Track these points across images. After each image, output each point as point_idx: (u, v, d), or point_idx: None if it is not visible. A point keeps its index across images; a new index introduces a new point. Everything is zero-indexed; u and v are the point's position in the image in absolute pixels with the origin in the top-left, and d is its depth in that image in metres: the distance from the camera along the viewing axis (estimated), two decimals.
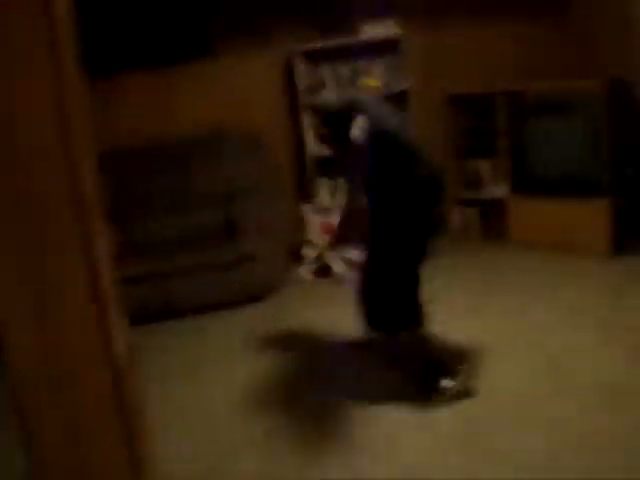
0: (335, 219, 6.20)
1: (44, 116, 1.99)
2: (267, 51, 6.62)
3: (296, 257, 6.30)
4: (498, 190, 6.44)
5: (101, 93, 6.19)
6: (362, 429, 3.63)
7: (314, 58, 6.49)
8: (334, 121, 4.11)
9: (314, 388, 4.15)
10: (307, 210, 6.29)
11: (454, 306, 5.07)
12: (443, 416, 3.67)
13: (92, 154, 2.15)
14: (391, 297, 3.99)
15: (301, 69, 6.43)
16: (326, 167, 6.61)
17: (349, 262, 6.26)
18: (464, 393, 3.81)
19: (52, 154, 2.01)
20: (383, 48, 6.29)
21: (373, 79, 6.35)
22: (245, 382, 4.34)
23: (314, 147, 6.53)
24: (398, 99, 6.01)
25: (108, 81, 6.25)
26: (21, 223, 2.03)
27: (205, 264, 5.62)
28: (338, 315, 5.16)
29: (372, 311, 4.16)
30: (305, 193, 6.64)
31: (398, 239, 3.90)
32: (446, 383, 3.81)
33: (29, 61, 1.96)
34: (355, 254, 6.32)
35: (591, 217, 5.73)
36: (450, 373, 3.86)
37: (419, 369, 3.95)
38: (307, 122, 6.50)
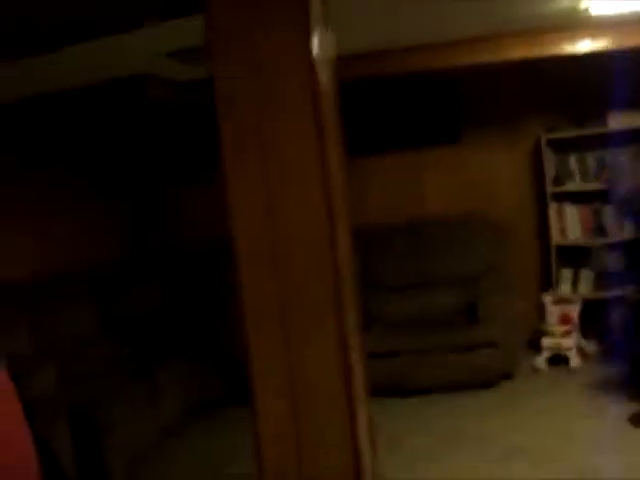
0: (574, 310, 6.11)
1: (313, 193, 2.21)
2: (514, 139, 6.71)
3: (533, 346, 6.23)
4: None
5: (354, 170, 6.52)
6: None
7: (561, 147, 6.48)
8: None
9: None
10: (547, 299, 6.23)
11: None
12: None
13: (347, 221, 2.34)
14: None
15: (548, 158, 6.45)
16: (569, 257, 6.54)
17: (586, 354, 6.11)
18: None
19: (316, 227, 2.22)
20: (629, 139, 6.16)
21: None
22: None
23: (559, 236, 6.49)
24: None
25: (361, 159, 6.58)
26: (284, 290, 2.24)
27: (443, 346, 5.73)
28: (569, 404, 5.08)
29: None
30: (547, 282, 6.57)
31: None
32: None
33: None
34: (591, 346, 6.17)
35: None
36: None
37: None
38: (553, 211, 6.48)
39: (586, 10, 4.64)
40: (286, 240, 2.20)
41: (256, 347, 2.27)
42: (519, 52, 5.53)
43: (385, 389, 5.56)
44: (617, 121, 6.16)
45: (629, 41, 5.28)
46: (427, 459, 4.56)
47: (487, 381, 5.72)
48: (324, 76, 2.21)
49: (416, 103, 6.79)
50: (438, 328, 5.92)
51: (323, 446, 2.27)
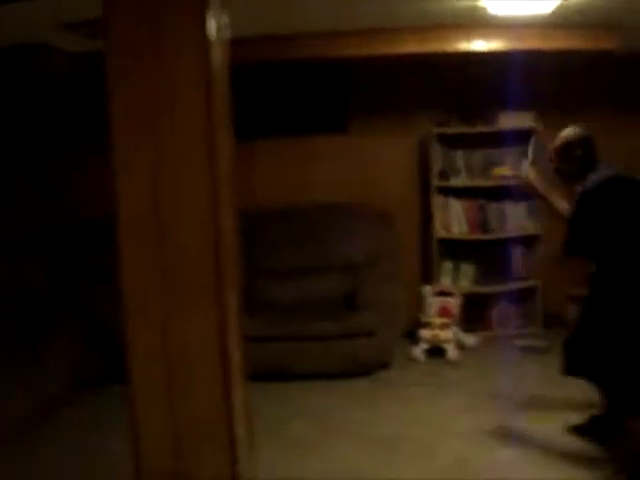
0: (454, 303, 6.24)
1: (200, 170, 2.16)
2: (403, 131, 6.79)
3: (412, 337, 6.33)
4: None
5: (242, 154, 6.42)
6: None
7: (450, 143, 6.60)
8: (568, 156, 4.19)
9: None
10: (427, 291, 6.33)
11: None
12: None
13: (233, 206, 2.29)
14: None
15: (435, 152, 6.55)
16: (452, 251, 6.68)
17: (463, 346, 6.25)
18: None
19: (201, 209, 2.16)
20: (517, 138, 6.31)
21: (505, 168, 6.40)
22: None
23: (442, 230, 6.61)
24: None
25: (249, 144, 6.51)
26: (165, 270, 2.18)
27: (323, 333, 5.73)
28: (444, 396, 5.25)
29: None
30: (428, 274, 6.68)
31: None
32: None
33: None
34: (470, 339, 6.31)
35: None
36: None
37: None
38: (437, 204, 6.59)
39: (484, 9, 4.70)
40: (170, 220, 2.17)
41: (134, 327, 2.24)
42: (414, 47, 5.58)
43: (265, 374, 5.52)
44: (507, 121, 6.31)
45: (524, 43, 5.41)
46: (304, 446, 4.56)
47: (365, 370, 5.76)
48: (218, 57, 2.19)
49: (307, 90, 6.77)
50: (319, 315, 5.92)
51: (199, 426, 2.25)
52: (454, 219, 6.66)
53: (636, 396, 4.01)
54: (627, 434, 4.22)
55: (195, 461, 2.28)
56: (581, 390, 4.52)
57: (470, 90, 6.60)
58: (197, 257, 2.18)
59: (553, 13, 4.77)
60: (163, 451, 2.29)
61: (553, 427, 4.53)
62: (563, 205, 4.33)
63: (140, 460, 2.30)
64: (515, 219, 6.52)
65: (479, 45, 5.48)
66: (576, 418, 4.47)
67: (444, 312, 6.22)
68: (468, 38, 5.48)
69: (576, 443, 4.31)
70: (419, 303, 6.34)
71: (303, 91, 6.76)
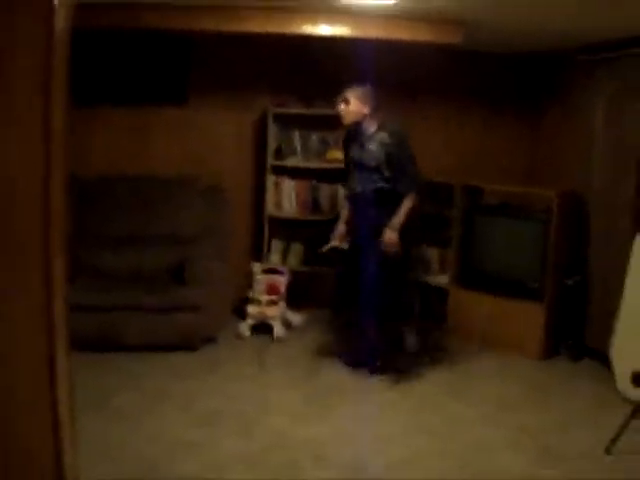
0: (282, 281, 6.33)
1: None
2: (242, 108, 6.80)
3: (239, 313, 6.37)
4: (443, 278, 6.61)
5: (80, 121, 6.22)
6: None
7: (286, 122, 6.67)
8: None
9: None
10: (256, 268, 6.38)
11: None
12: None
13: (64, 173, 2.23)
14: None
15: (273, 131, 6.60)
16: (282, 229, 6.76)
17: (289, 324, 6.36)
18: None
19: (33, 171, 2.09)
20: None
21: (340, 151, 6.54)
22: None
23: (273, 208, 6.68)
24: None
25: (88, 110, 6.31)
26: None
27: (151, 304, 5.67)
28: (266, 373, 5.38)
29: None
30: (258, 252, 6.74)
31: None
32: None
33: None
34: (296, 317, 6.43)
35: (527, 319, 5.93)
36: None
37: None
38: (270, 183, 6.65)
39: None
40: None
41: None
42: (258, 26, 5.54)
43: (92, 344, 5.42)
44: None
45: (367, 31, 5.52)
46: (127, 417, 4.53)
47: (191, 344, 5.76)
48: (61, 20, 2.13)
49: (149, 60, 6.61)
50: (148, 286, 5.83)
51: (17, 397, 2.19)
52: (286, 198, 6.75)
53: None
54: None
55: (12, 432, 2.22)
56: None
57: (311, 72, 6.71)
58: (24, 222, 2.11)
59: (397, 5, 4.91)
60: None
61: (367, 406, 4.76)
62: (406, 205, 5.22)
63: None
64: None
65: (324, 30, 5.54)
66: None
67: (272, 289, 6.29)
68: (313, 22, 5.52)
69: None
70: (249, 280, 6.38)
71: (146, 61, 6.60)
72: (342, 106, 5.23)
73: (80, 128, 6.12)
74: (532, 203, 6.14)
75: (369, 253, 5.19)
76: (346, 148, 5.53)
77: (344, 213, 5.63)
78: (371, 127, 5.22)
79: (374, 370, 5.39)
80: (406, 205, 5.18)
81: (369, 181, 5.21)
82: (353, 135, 5.36)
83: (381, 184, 5.19)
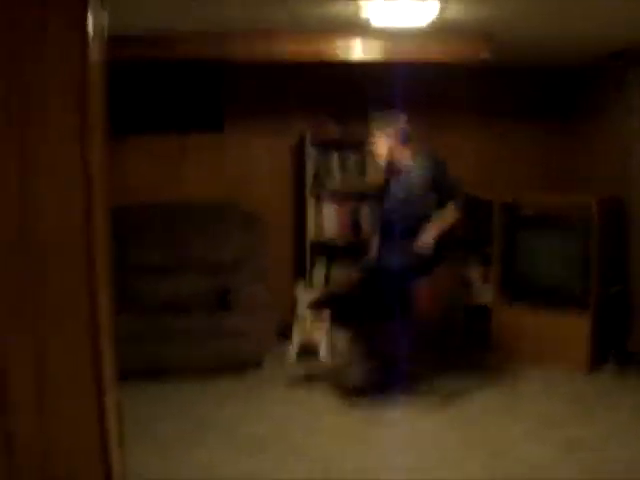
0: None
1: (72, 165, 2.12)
2: (279, 133, 6.87)
3: (285, 337, 6.39)
4: (486, 296, 6.58)
5: (116, 150, 6.30)
6: None
7: (324, 145, 6.71)
8: None
9: None
10: (300, 292, 6.40)
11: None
12: None
13: (106, 205, 2.27)
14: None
15: (311, 155, 6.65)
16: (323, 252, 6.80)
17: (335, 347, 6.36)
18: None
19: (74, 208, 2.13)
20: None
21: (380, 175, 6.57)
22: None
23: (315, 232, 6.72)
24: None
25: (124, 139, 6.43)
26: (35, 273, 2.14)
27: (195, 331, 5.73)
28: (316, 397, 5.37)
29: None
30: (301, 275, 6.77)
31: None
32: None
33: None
34: (342, 339, 6.42)
35: (572, 330, 5.88)
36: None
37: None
38: (311, 207, 6.70)
39: (366, 20, 4.80)
40: (39, 222, 2.13)
41: (4, 331, 2.19)
42: (291, 52, 5.60)
43: (136, 373, 5.45)
44: None
45: (400, 54, 5.56)
46: (175, 444, 4.56)
47: (237, 369, 5.80)
48: (95, 54, 2.17)
49: (184, 87, 6.73)
50: (190, 313, 5.91)
51: (71, 429, 2.23)
52: (327, 221, 6.78)
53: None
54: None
55: (68, 464, 2.26)
56: None
57: (345, 95, 6.77)
58: (70, 259, 2.15)
59: (427, 25, 4.95)
60: (35, 454, 2.26)
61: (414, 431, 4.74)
62: (447, 215, 5.10)
63: (12, 462, 2.26)
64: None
65: (356, 53, 5.59)
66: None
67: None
68: (346, 46, 5.58)
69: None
70: (293, 304, 6.41)
71: (182, 89, 6.72)
72: (371, 142, 5.25)
73: (117, 157, 6.20)
74: (570, 212, 6.09)
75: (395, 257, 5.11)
76: (386, 180, 5.47)
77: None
78: (405, 160, 5.21)
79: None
80: (447, 217, 5.07)
81: (407, 215, 5.17)
82: (391, 168, 5.33)
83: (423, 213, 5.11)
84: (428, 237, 4.99)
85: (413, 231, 5.02)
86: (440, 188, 5.08)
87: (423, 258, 5.02)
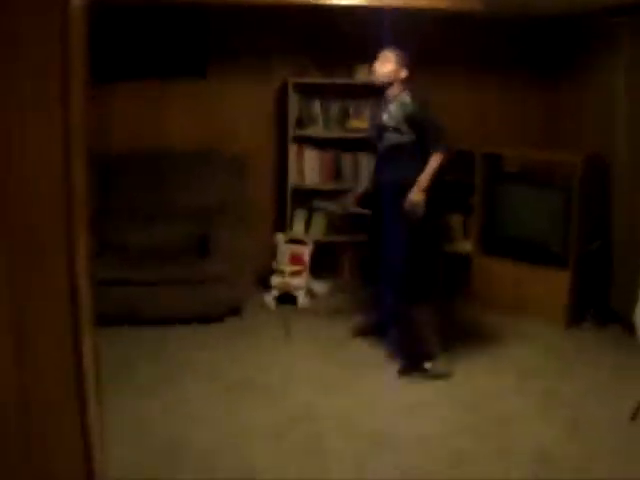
0: (306, 251, 6.35)
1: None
2: (262, 78, 6.77)
3: (264, 284, 6.41)
4: (466, 245, 6.60)
5: (99, 97, 6.23)
6: None
7: (307, 92, 6.65)
8: None
9: None
10: (280, 239, 6.40)
11: None
12: None
13: (85, 153, 2.24)
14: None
15: (294, 101, 6.58)
16: (305, 199, 6.78)
17: (314, 294, 6.40)
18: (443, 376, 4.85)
19: (52, 154, 2.10)
20: (374, 92, 6.41)
21: (361, 120, 6.53)
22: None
23: (296, 178, 6.69)
24: None
25: (106, 86, 6.32)
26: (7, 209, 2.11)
27: (175, 278, 5.73)
28: (293, 343, 5.40)
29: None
30: (281, 222, 6.76)
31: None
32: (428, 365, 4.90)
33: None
34: (320, 287, 6.46)
35: (551, 285, 5.92)
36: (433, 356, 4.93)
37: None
38: (292, 153, 6.65)
39: None
40: (20, 165, 2.10)
41: None
42: None
43: (117, 318, 5.47)
44: (364, 74, 6.37)
45: (386, 1, 5.47)
46: (154, 389, 4.62)
47: (216, 316, 5.81)
48: None
49: (166, 33, 6.58)
50: (171, 260, 5.89)
51: (46, 374, 2.22)
52: (308, 168, 6.74)
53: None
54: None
55: (43, 410, 2.26)
56: None
57: (330, 41, 6.65)
58: (47, 203, 2.13)
59: None
60: (9, 403, 2.25)
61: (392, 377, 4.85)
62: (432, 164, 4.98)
63: None
64: (368, 170, 6.64)
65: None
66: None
67: (295, 260, 6.33)
68: None
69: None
70: (272, 251, 6.41)
71: (165, 35, 6.57)
72: (379, 64, 5.09)
73: (100, 104, 6.14)
74: (553, 168, 6.09)
75: (392, 219, 5.06)
76: (375, 113, 5.48)
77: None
78: (395, 91, 5.11)
79: (405, 370, 5.02)
80: (432, 164, 4.94)
81: (389, 140, 5.09)
82: (381, 102, 5.27)
83: (398, 140, 5.04)
84: (417, 194, 4.93)
85: (400, 157, 5.07)
86: (422, 128, 5.00)
87: (416, 227, 4.99)
